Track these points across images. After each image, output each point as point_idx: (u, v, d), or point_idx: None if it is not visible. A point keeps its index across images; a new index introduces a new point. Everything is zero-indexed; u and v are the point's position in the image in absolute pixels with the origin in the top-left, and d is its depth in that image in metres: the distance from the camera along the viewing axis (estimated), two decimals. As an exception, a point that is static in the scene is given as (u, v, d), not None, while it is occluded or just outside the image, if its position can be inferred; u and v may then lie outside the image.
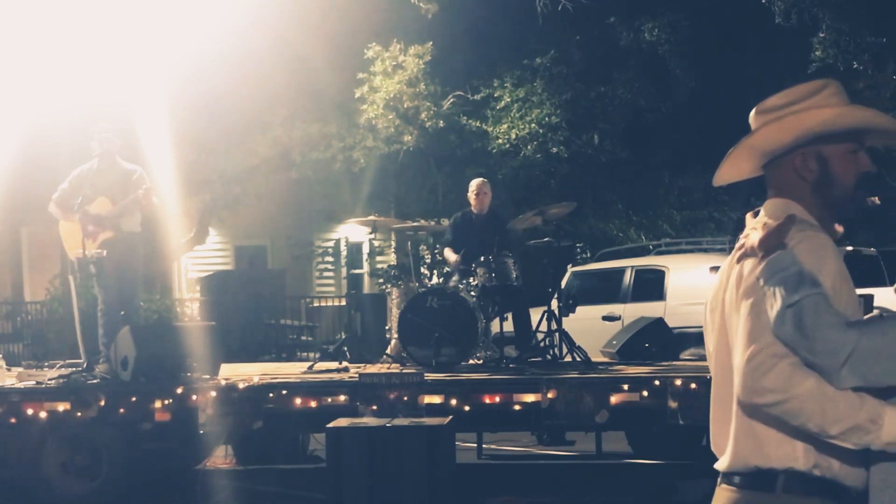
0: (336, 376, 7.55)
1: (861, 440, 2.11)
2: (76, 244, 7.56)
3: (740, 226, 2.49)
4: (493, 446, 9.25)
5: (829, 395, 2.11)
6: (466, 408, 6.78)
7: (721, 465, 2.30)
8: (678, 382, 6.56)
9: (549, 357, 8.22)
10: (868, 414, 2.10)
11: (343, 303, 15.56)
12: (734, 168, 2.41)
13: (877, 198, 7.75)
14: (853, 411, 2.10)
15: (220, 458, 8.55)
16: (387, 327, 8.99)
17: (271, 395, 6.99)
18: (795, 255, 2.18)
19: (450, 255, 8.91)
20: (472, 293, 8.15)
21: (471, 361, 8.07)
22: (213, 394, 6.92)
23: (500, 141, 16.21)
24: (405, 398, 6.77)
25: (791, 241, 2.20)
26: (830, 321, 2.13)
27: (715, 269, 10.78)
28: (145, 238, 8.14)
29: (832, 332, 2.12)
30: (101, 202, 7.64)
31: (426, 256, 16.64)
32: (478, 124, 16.37)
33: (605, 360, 8.38)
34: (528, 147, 16.22)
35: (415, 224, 10.88)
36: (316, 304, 17.27)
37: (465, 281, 8.34)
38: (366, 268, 19.16)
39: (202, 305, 15.28)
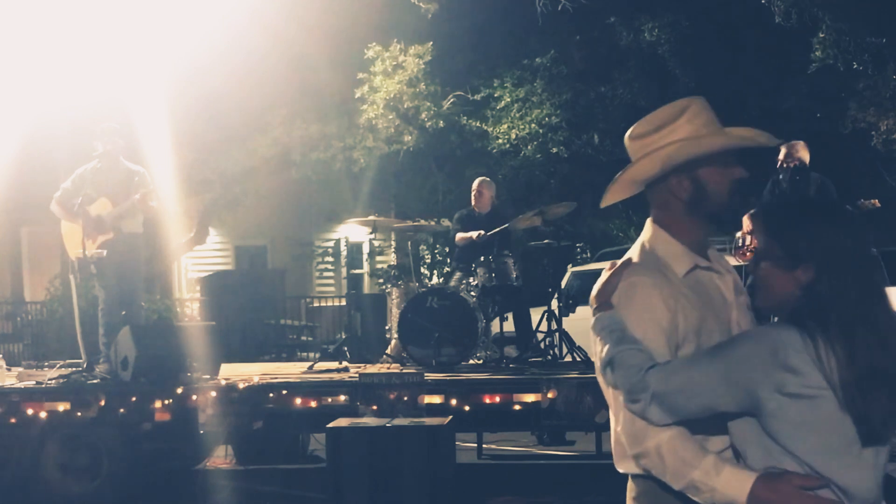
0: (336, 376, 7.55)
1: (699, 497, 2.18)
2: (77, 244, 7.55)
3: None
4: (493, 446, 9.25)
5: (675, 449, 2.21)
6: (466, 408, 6.77)
7: None
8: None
9: (549, 357, 8.22)
10: (702, 474, 2.17)
11: (343, 303, 15.56)
12: (618, 194, 2.57)
13: (876, 200, 7.73)
14: (688, 469, 2.18)
15: (220, 458, 8.55)
16: (387, 327, 8.99)
17: (271, 395, 6.99)
18: (615, 315, 2.33)
19: (463, 235, 8.84)
20: (472, 293, 8.15)
21: (471, 361, 8.07)
22: (213, 394, 6.92)
23: (500, 141, 16.22)
24: (405, 398, 6.76)
25: (615, 297, 2.35)
26: (626, 372, 2.24)
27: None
28: (147, 239, 8.14)
29: (629, 380, 2.22)
30: (101, 203, 7.64)
31: (426, 256, 16.69)
32: (478, 124, 16.37)
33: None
34: (528, 147, 16.23)
35: (415, 224, 10.86)
36: (316, 304, 17.27)
37: (465, 281, 8.33)
38: (366, 268, 19.18)
39: (202, 305, 15.27)
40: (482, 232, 8.65)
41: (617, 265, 2.41)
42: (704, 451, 2.19)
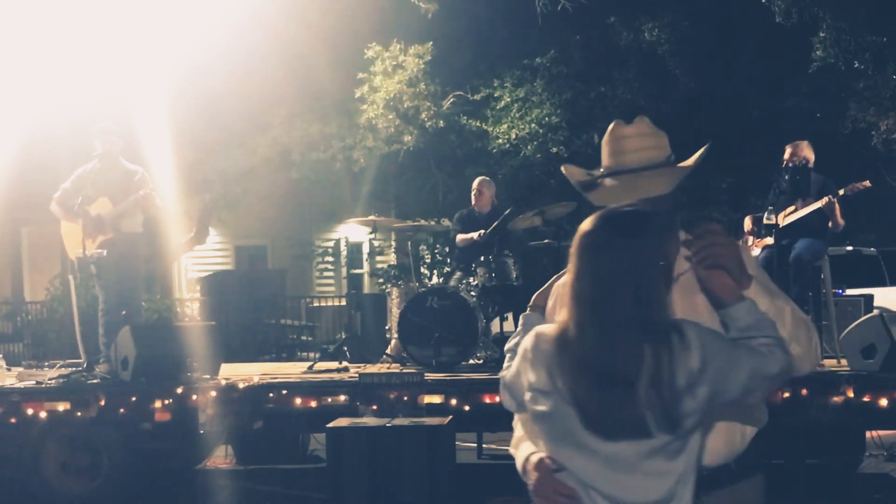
0: (336, 376, 7.55)
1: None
2: (77, 244, 7.55)
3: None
4: (493, 446, 9.24)
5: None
6: (466, 408, 6.77)
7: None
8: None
9: (549, 357, 8.19)
10: (513, 446, 2.59)
11: (343, 303, 15.54)
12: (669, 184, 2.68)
13: (867, 182, 7.76)
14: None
15: (220, 458, 8.55)
16: (387, 327, 8.99)
17: (271, 395, 6.99)
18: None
19: (463, 236, 8.85)
20: (472, 293, 8.15)
21: (471, 361, 8.06)
22: (213, 394, 6.92)
23: (500, 141, 16.22)
24: (405, 398, 6.76)
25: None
26: None
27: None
28: (147, 239, 8.13)
29: None
30: (101, 203, 7.64)
31: (426, 256, 16.69)
32: (478, 124, 16.37)
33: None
34: (528, 147, 16.23)
35: (415, 224, 10.86)
36: (316, 304, 17.25)
37: (465, 281, 8.33)
38: (366, 268, 19.18)
39: (202, 305, 15.27)
40: (483, 231, 8.66)
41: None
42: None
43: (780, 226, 7.52)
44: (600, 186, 2.65)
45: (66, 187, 7.75)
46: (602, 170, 2.67)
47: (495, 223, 8.56)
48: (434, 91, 15.73)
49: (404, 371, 7.34)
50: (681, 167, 2.62)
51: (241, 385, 7.04)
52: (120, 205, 7.60)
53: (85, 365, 7.73)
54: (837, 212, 7.34)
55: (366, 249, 18.78)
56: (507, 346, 2.65)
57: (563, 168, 2.80)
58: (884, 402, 6.33)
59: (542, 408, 2.27)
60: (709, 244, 2.33)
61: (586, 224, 2.30)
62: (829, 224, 7.45)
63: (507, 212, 8.55)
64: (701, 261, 2.34)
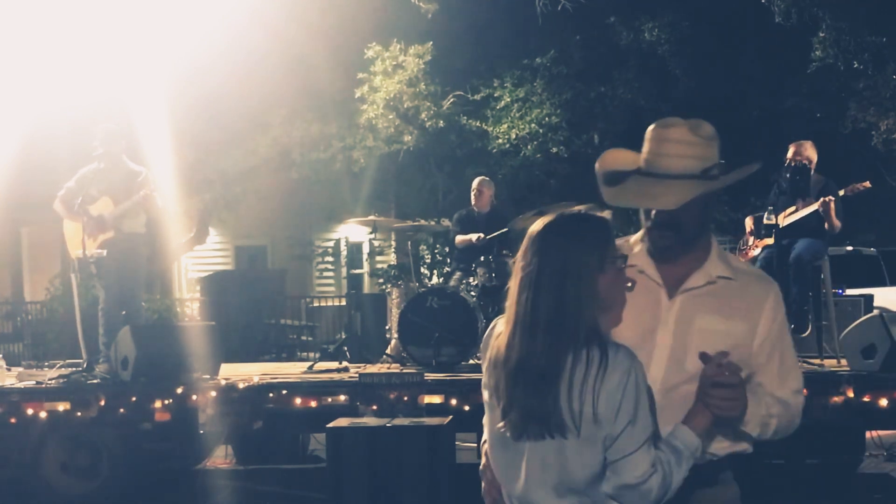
0: (336, 376, 7.55)
1: None
2: (78, 244, 7.56)
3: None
4: (493, 446, 9.23)
5: None
6: (466, 408, 6.77)
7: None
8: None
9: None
10: None
11: (343, 303, 15.54)
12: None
13: (867, 182, 7.76)
14: None
15: (220, 458, 8.55)
16: (387, 327, 8.99)
17: (271, 395, 6.99)
18: None
19: (462, 237, 8.86)
20: (472, 293, 8.15)
21: (471, 361, 8.06)
22: (213, 394, 6.92)
23: (500, 141, 16.21)
24: (405, 398, 6.77)
25: None
26: None
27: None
28: (148, 239, 8.14)
29: None
30: (104, 202, 7.65)
31: (426, 256, 16.68)
32: (478, 124, 16.37)
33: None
34: (528, 147, 16.23)
35: (415, 224, 10.86)
36: (316, 304, 17.25)
37: (465, 281, 8.33)
38: (366, 268, 19.17)
39: (202, 305, 15.25)
40: (481, 235, 8.65)
41: None
42: None
43: (781, 226, 7.51)
44: (620, 184, 2.58)
45: (71, 186, 7.76)
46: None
47: (494, 234, 8.54)
48: (434, 91, 15.73)
49: (404, 371, 7.34)
50: (700, 183, 2.48)
51: (241, 385, 7.04)
52: (122, 204, 7.61)
53: (85, 365, 7.73)
54: (833, 213, 7.31)
55: (366, 249, 18.76)
56: None
57: (607, 152, 2.68)
58: (884, 402, 6.33)
59: (484, 399, 2.37)
60: (732, 398, 2.30)
61: (535, 224, 2.34)
62: (826, 226, 7.45)
63: (505, 230, 8.52)
64: (713, 405, 2.30)
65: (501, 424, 2.25)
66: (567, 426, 2.17)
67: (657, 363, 2.46)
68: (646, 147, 2.56)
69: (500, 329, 2.33)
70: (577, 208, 2.36)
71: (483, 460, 2.49)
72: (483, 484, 2.50)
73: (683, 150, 2.49)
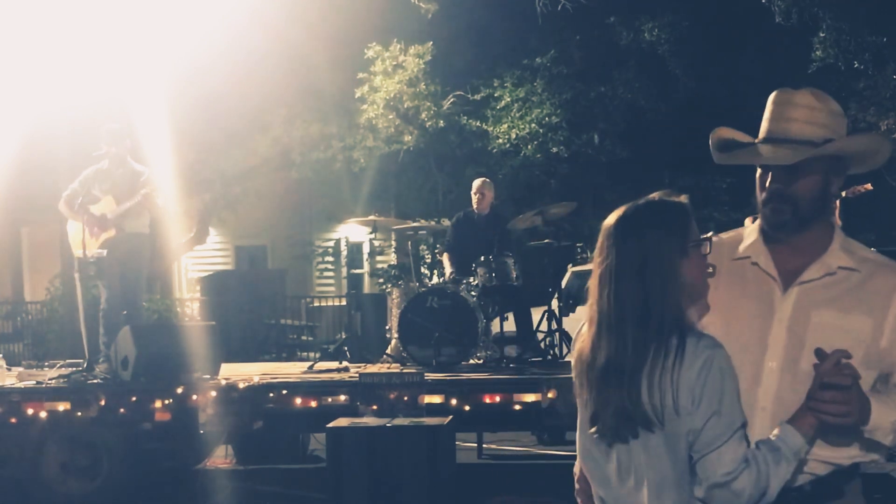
0: (336, 376, 7.55)
1: None
2: (80, 244, 7.57)
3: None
4: (493, 446, 9.25)
5: None
6: (466, 408, 6.77)
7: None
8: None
9: (549, 357, 8.22)
10: None
11: (343, 303, 15.55)
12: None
13: (869, 185, 7.75)
14: None
15: (220, 458, 8.55)
16: (387, 327, 8.99)
17: (271, 395, 6.99)
18: None
19: (445, 261, 8.94)
20: (472, 293, 8.15)
21: (471, 361, 8.06)
22: (213, 394, 6.92)
23: (500, 141, 16.22)
24: (405, 398, 6.76)
25: None
26: None
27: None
28: (151, 239, 8.16)
29: None
30: (107, 201, 7.68)
31: (426, 256, 16.68)
32: (478, 124, 16.37)
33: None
34: (528, 147, 16.23)
35: (415, 224, 10.88)
36: (316, 304, 17.26)
37: (465, 281, 8.33)
38: (366, 268, 19.17)
39: (202, 305, 15.27)
40: (451, 268, 8.70)
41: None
42: None
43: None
44: (734, 151, 2.42)
45: (75, 187, 7.78)
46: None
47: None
48: (434, 91, 15.74)
49: (404, 371, 7.33)
50: (821, 150, 2.29)
51: (241, 385, 7.04)
52: (122, 205, 7.62)
53: (85, 365, 7.73)
54: (835, 214, 7.31)
55: (366, 249, 18.77)
56: None
57: (720, 130, 2.46)
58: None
59: (577, 406, 2.28)
60: (841, 402, 2.09)
61: (608, 218, 2.22)
62: None
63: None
64: (818, 409, 2.11)
65: (593, 430, 2.16)
66: (651, 420, 2.06)
67: (770, 361, 2.29)
68: (767, 113, 2.38)
69: (583, 331, 2.22)
70: (653, 196, 2.22)
71: (577, 464, 2.37)
72: (576, 485, 2.40)
73: (807, 115, 2.32)
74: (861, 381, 2.15)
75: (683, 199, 2.22)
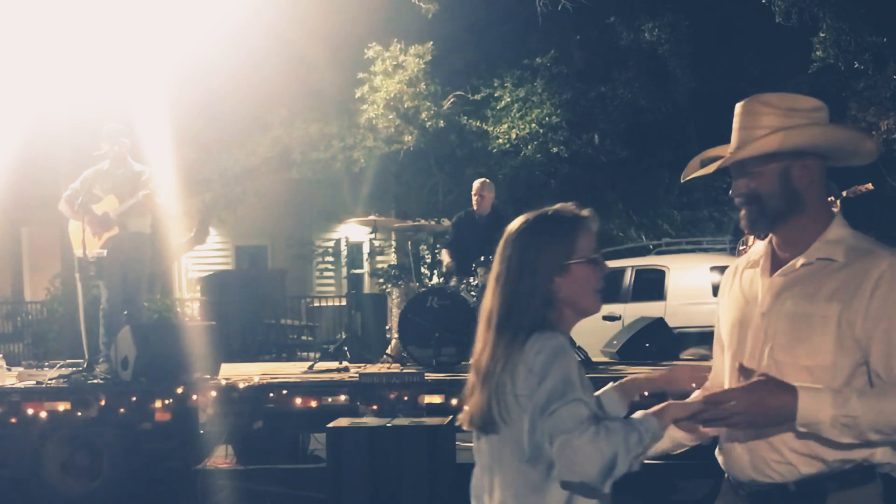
0: (336, 376, 7.55)
1: None
2: (80, 244, 7.57)
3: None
4: (493, 446, 9.23)
5: None
6: (466, 408, 6.76)
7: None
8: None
9: (549, 357, 8.20)
10: None
11: (343, 303, 15.54)
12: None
13: (869, 184, 7.74)
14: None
15: (220, 458, 8.55)
16: (387, 327, 8.99)
17: (271, 395, 6.99)
18: None
19: (445, 255, 8.93)
20: (472, 293, 8.15)
21: (471, 361, 8.05)
22: (213, 394, 6.92)
23: (500, 141, 16.21)
24: (405, 398, 6.76)
25: None
26: None
27: (715, 269, 10.80)
28: (152, 239, 8.16)
29: None
30: (109, 201, 7.69)
31: (426, 256, 16.67)
32: (478, 124, 16.36)
33: (606, 359, 8.37)
34: (529, 147, 16.22)
35: (415, 224, 10.87)
36: (316, 304, 17.26)
37: (465, 281, 8.33)
38: (366, 268, 19.16)
39: (202, 305, 15.26)
40: (450, 261, 8.74)
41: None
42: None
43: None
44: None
45: (76, 187, 7.79)
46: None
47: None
48: (434, 91, 15.73)
49: (404, 371, 7.34)
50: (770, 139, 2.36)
51: (241, 385, 7.04)
52: (125, 202, 7.63)
53: (85, 365, 7.74)
54: None
55: (366, 249, 18.76)
56: None
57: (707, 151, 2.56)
58: None
59: None
60: (744, 412, 2.19)
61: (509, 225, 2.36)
62: None
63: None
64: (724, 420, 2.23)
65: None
66: (497, 420, 2.28)
67: (750, 348, 2.39)
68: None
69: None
70: (554, 207, 2.33)
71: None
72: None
73: (753, 119, 2.41)
74: (835, 368, 2.23)
75: (585, 212, 2.30)
